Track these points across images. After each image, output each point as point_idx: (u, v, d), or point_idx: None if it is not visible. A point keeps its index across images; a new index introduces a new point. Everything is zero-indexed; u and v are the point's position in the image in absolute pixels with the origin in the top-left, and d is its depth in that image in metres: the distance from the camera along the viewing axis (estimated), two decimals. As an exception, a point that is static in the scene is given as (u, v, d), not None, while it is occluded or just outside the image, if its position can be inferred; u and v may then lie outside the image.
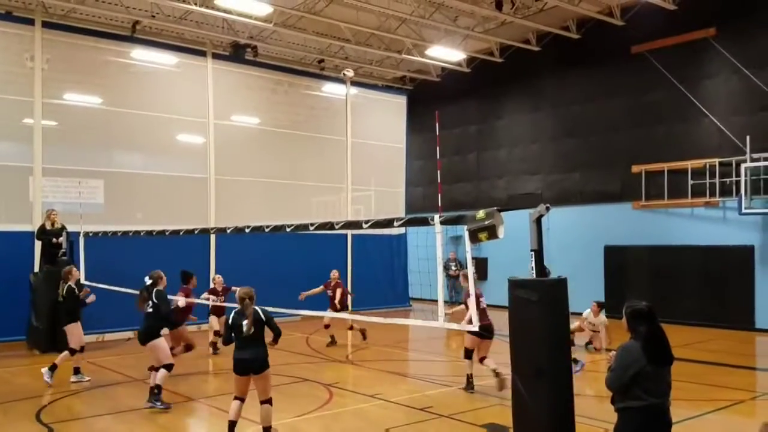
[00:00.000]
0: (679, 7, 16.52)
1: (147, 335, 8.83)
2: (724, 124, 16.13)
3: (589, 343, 13.03)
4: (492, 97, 21.77)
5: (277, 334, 7.14)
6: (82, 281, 11.32)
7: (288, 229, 8.31)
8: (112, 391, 10.05)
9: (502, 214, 5.72)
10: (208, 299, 12.45)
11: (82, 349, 10.59)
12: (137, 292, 9.62)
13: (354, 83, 21.12)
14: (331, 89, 20.64)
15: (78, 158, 15.63)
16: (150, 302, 8.84)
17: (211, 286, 13.27)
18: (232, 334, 7.06)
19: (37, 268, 14.14)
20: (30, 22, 14.98)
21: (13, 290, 13.69)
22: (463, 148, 22.61)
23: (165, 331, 9.68)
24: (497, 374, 9.17)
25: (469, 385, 9.74)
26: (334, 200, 20.44)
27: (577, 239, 18.41)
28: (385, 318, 8.24)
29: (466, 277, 9.66)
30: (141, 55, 16.66)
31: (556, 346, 5.63)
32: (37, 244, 14.10)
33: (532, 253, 5.78)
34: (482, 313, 9.33)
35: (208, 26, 17.05)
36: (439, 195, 17.13)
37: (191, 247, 15.88)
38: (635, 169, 17.70)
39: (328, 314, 12.63)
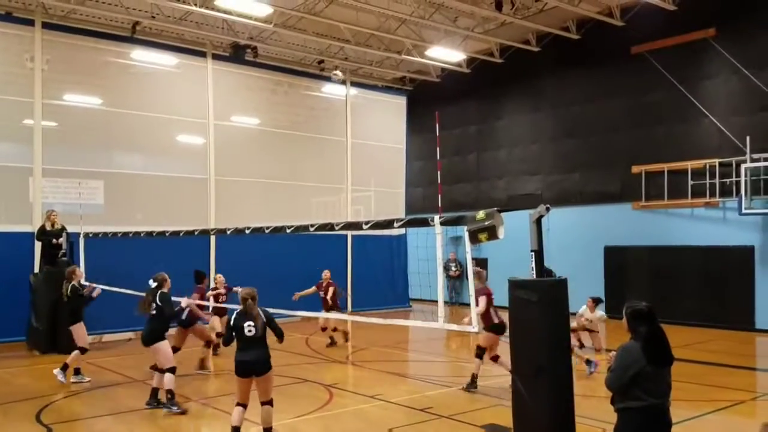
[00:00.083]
0: (679, 8, 16.52)
1: (151, 338, 8.78)
2: (724, 124, 16.14)
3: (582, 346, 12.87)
4: (492, 97, 21.78)
5: (279, 335, 7.10)
6: (83, 282, 11.31)
7: (288, 231, 8.31)
8: (112, 391, 10.04)
9: (502, 214, 5.73)
10: (217, 297, 12.44)
11: (83, 350, 10.57)
12: (137, 293, 9.61)
13: (354, 84, 21.14)
14: (331, 90, 20.64)
15: (78, 159, 15.63)
16: (154, 305, 8.80)
17: (212, 285, 13.26)
18: (233, 335, 7.00)
19: (37, 269, 14.15)
20: (30, 22, 14.99)
21: (13, 291, 13.70)
22: (463, 149, 22.62)
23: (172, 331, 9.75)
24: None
25: (473, 385, 9.74)
26: (334, 201, 20.44)
27: (577, 240, 18.41)
28: (385, 319, 8.26)
29: (478, 275, 9.68)
30: (141, 55, 16.67)
31: (556, 346, 5.64)
32: (37, 245, 14.11)
33: (532, 253, 5.79)
34: (495, 311, 9.44)
35: (208, 27, 17.05)
36: (439, 196, 17.14)
37: (191, 248, 15.89)
38: (635, 169, 17.71)
39: (324, 315, 12.68)
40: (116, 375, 11.09)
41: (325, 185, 20.12)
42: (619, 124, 18.26)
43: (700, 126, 16.68)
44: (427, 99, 22.28)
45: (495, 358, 9.79)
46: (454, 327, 7.54)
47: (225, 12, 15.62)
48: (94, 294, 10.87)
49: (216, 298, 12.43)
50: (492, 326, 9.62)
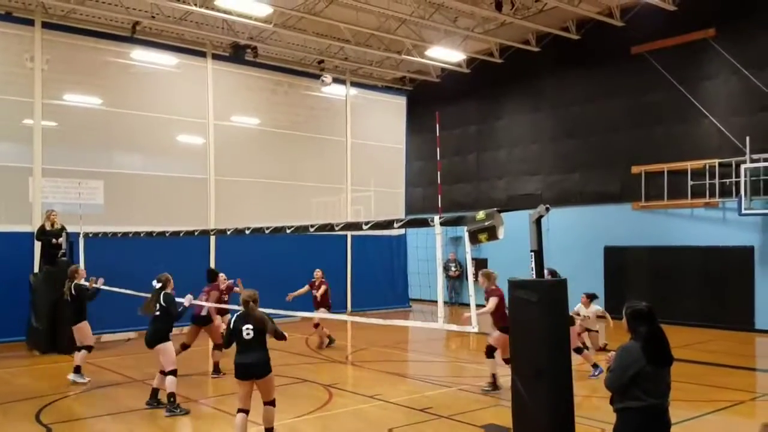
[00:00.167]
0: (679, 8, 16.53)
1: (155, 339, 8.74)
2: (723, 124, 16.14)
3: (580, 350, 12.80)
4: (492, 97, 21.78)
5: (280, 338, 7.09)
6: (82, 282, 11.31)
7: (288, 231, 8.32)
8: (111, 391, 10.04)
9: (502, 214, 5.73)
10: (225, 292, 12.48)
11: (81, 350, 10.57)
12: (137, 293, 9.61)
13: (354, 84, 21.15)
14: (331, 90, 20.62)
15: (78, 159, 15.64)
16: (158, 306, 8.77)
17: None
18: (232, 337, 6.96)
19: (36, 269, 14.15)
20: (30, 22, 14.99)
21: (13, 291, 13.70)
22: (462, 149, 22.62)
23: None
24: None
25: (494, 386, 9.61)
26: (333, 201, 20.44)
27: (577, 240, 18.41)
28: (384, 319, 8.27)
29: (486, 276, 9.65)
30: (141, 55, 16.67)
31: (556, 346, 5.64)
32: (37, 245, 14.11)
33: (532, 253, 5.78)
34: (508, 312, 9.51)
35: (208, 27, 17.06)
36: (439, 196, 17.15)
37: (191, 248, 15.91)
38: (635, 169, 17.71)
39: (319, 315, 12.64)
40: (116, 375, 11.09)
41: (325, 185, 20.12)
42: (619, 125, 18.26)
43: (700, 126, 16.68)
44: (427, 99, 22.28)
45: (507, 360, 9.75)
46: (454, 327, 7.54)
47: (225, 12, 15.62)
48: (99, 284, 10.88)
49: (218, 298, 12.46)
50: (504, 327, 9.60)
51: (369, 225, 7.51)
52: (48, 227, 13.71)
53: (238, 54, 17.91)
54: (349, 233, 20.02)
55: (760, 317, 15.47)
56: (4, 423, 8.24)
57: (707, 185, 16.28)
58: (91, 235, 13.15)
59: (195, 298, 9.95)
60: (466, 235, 5.89)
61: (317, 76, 20.09)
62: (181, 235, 10.88)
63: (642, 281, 17.46)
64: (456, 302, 21.50)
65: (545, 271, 9.95)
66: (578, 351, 10.71)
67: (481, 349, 14.41)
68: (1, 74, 14.73)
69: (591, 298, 12.38)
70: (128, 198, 16.20)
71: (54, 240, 13.61)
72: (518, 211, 6.18)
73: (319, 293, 13.53)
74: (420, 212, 20.55)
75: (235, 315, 7.04)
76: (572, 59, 19.10)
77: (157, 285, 8.84)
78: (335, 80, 20.41)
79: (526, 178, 20.72)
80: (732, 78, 16.11)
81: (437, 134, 17.46)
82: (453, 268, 21.66)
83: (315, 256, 17.52)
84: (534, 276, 5.80)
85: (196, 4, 15.05)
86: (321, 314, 12.69)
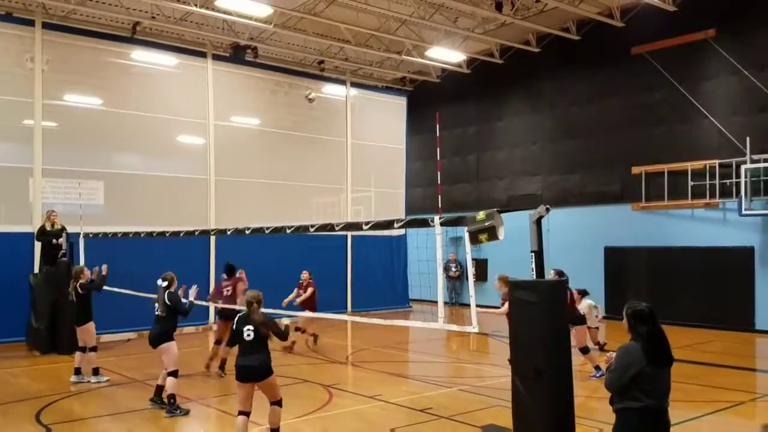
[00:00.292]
0: (679, 9, 16.53)
1: (159, 338, 8.73)
2: (723, 125, 16.14)
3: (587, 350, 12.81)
4: (492, 98, 21.78)
5: (282, 338, 7.06)
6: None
7: (288, 231, 8.32)
8: (111, 392, 10.04)
9: (502, 215, 5.73)
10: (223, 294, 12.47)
11: (84, 350, 10.59)
12: (137, 294, 9.60)
13: (354, 84, 21.16)
14: (331, 90, 20.67)
15: (78, 159, 15.63)
16: (161, 304, 8.75)
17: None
18: (234, 338, 6.96)
19: (36, 269, 14.14)
20: (30, 23, 14.99)
21: (12, 291, 13.69)
22: (462, 149, 22.62)
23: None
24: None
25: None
26: (334, 201, 20.44)
27: (577, 240, 18.40)
28: (384, 319, 8.27)
29: (504, 281, 9.53)
30: (141, 56, 16.67)
31: (556, 346, 5.64)
32: (37, 245, 14.10)
33: (532, 254, 5.78)
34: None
35: (208, 27, 17.06)
36: (439, 196, 17.17)
37: (191, 249, 15.91)
38: (635, 170, 17.70)
39: (316, 315, 12.53)
40: (116, 375, 11.08)
41: (325, 185, 20.12)
42: (620, 125, 18.26)
43: (700, 127, 16.68)
44: (427, 99, 22.29)
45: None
46: (454, 328, 7.55)
47: (225, 12, 15.62)
48: (104, 271, 10.90)
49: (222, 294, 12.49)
50: None
51: (369, 225, 7.52)
52: (48, 227, 13.71)
53: (238, 54, 17.92)
54: (349, 233, 20.00)
55: (760, 318, 15.47)
56: (4, 423, 8.24)
57: (707, 186, 16.28)
58: (91, 236, 13.14)
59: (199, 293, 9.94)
60: (467, 236, 5.89)
61: (317, 77, 20.21)
62: (181, 235, 10.88)
63: (642, 282, 17.46)
64: (456, 303, 21.50)
65: (551, 272, 10.02)
66: (585, 351, 10.71)
67: (481, 349, 14.48)
68: (1, 74, 14.72)
69: (582, 294, 12.39)
70: (128, 198, 16.19)
71: (54, 240, 13.60)
72: (518, 212, 6.19)
73: (303, 297, 13.04)
74: (420, 212, 20.55)
75: (238, 316, 7.04)
76: (572, 60, 19.10)
77: (163, 284, 8.83)
78: (335, 80, 20.59)
79: (527, 179, 20.72)
80: (732, 78, 16.11)
81: (437, 134, 17.47)
82: (453, 269, 21.66)
83: (315, 256, 17.54)
84: (534, 277, 5.79)
85: (196, 5, 15.05)
86: (307, 314, 12.54)
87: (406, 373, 12.09)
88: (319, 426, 8.17)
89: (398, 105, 22.25)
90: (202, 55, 17.65)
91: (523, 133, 21.00)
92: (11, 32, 14.86)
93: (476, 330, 6.22)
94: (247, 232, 8.99)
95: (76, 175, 15.43)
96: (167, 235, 11.05)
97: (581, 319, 11.07)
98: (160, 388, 8.88)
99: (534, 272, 5.80)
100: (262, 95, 19.14)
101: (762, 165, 15.05)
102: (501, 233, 5.67)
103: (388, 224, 7.46)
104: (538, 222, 5.72)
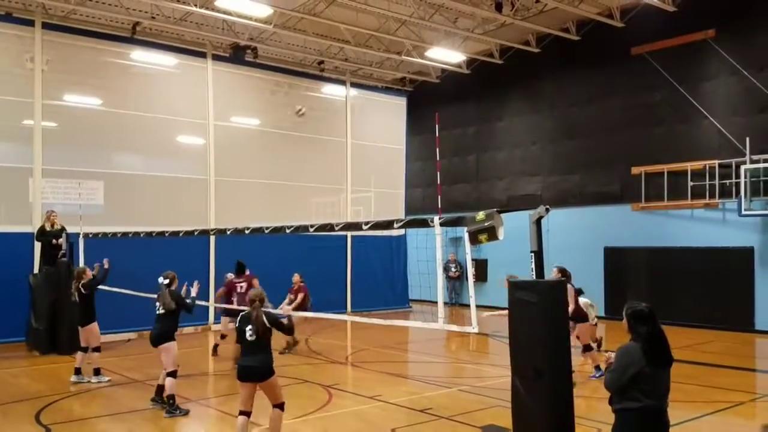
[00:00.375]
0: (679, 9, 16.54)
1: (160, 338, 8.72)
2: (723, 125, 16.14)
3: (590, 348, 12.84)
4: (492, 98, 21.78)
5: (287, 333, 7.05)
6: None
7: (288, 231, 8.32)
8: (111, 392, 10.04)
9: (502, 215, 5.73)
10: (230, 293, 12.47)
11: (86, 350, 10.59)
12: (137, 294, 9.59)
13: (354, 85, 21.17)
14: (331, 91, 20.67)
15: (78, 159, 15.62)
16: (162, 303, 8.75)
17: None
18: (238, 338, 6.94)
19: (36, 270, 14.14)
20: (30, 23, 14.98)
21: (12, 291, 13.67)
22: (462, 150, 22.62)
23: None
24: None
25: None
26: (333, 201, 20.45)
27: (577, 241, 18.39)
28: (384, 319, 8.27)
29: None
30: (141, 56, 16.67)
31: (556, 347, 5.64)
32: (37, 246, 14.10)
33: (532, 254, 5.78)
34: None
35: (208, 27, 17.06)
36: (439, 196, 17.18)
37: (191, 248, 15.90)
38: (635, 170, 17.71)
39: (316, 315, 12.52)
40: (116, 375, 11.07)
41: (325, 186, 20.12)
42: (619, 125, 18.26)
43: (700, 127, 16.68)
44: (427, 100, 22.29)
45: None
46: (454, 328, 7.55)
47: (225, 13, 15.62)
48: (106, 264, 10.91)
49: (229, 294, 12.56)
50: None
51: (369, 225, 7.52)
52: (48, 228, 13.70)
53: (238, 55, 17.92)
54: (349, 233, 20.01)
55: (760, 318, 15.47)
56: (4, 424, 8.24)
57: (707, 186, 16.28)
58: (91, 236, 13.14)
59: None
60: (466, 236, 5.89)
61: (317, 77, 20.21)
62: (181, 235, 10.88)
63: (642, 282, 17.47)
64: (456, 303, 21.51)
65: (554, 269, 10.02)
66: (588, 349, 10.71)
67: (480, 349, 14.47)
68: (1, 74, 14.71)
69: (578, 293, 12.38)
70: (128, 198, 16.19)
71: (54, 240, 13.59)
72: (518, 212, 6.19)
73: (294, 305, 12.64)
74: (420, 212, 20.56)
75: (240, 315, 7.03)
76: (572, 60, 19.11)
77: (164, 282, 8.83)
78: (335, 81, 20.60)
79: (526, 179, 20.72)
80: (732, 78, 16.12)
81: (437, 135, 17.47)
82: (453, 269, 21.66)
83: (315, 256, 17.56)
84: (534, 277, 5.79)
85: (196, 5, 15.05)
86: (299, 312, 12.51)
87: (406, 374, 12.09)
88: (319, 426, 8.17)
89: (398, 105, 22.25)
90: (202, 55, 17.65)
91: (522, 133, 21.00)
92: (11, 32, 14.85)
93: (476, 330, 6.22)
94: (247, 232, 8.99)
95: (76, 175, 15.43)
96: (167, 235, 11.05)
97: (585, 317, 11.08)
98: (161, 388, 8.87)
99: (534, 272, 5.80)
100: (262, 95, 19.14)
101: (761, 165, 15.05)
102: (501, 233, 5.67)
103: (387, 224, 7.46)
104: (538, 222, 5.72)
